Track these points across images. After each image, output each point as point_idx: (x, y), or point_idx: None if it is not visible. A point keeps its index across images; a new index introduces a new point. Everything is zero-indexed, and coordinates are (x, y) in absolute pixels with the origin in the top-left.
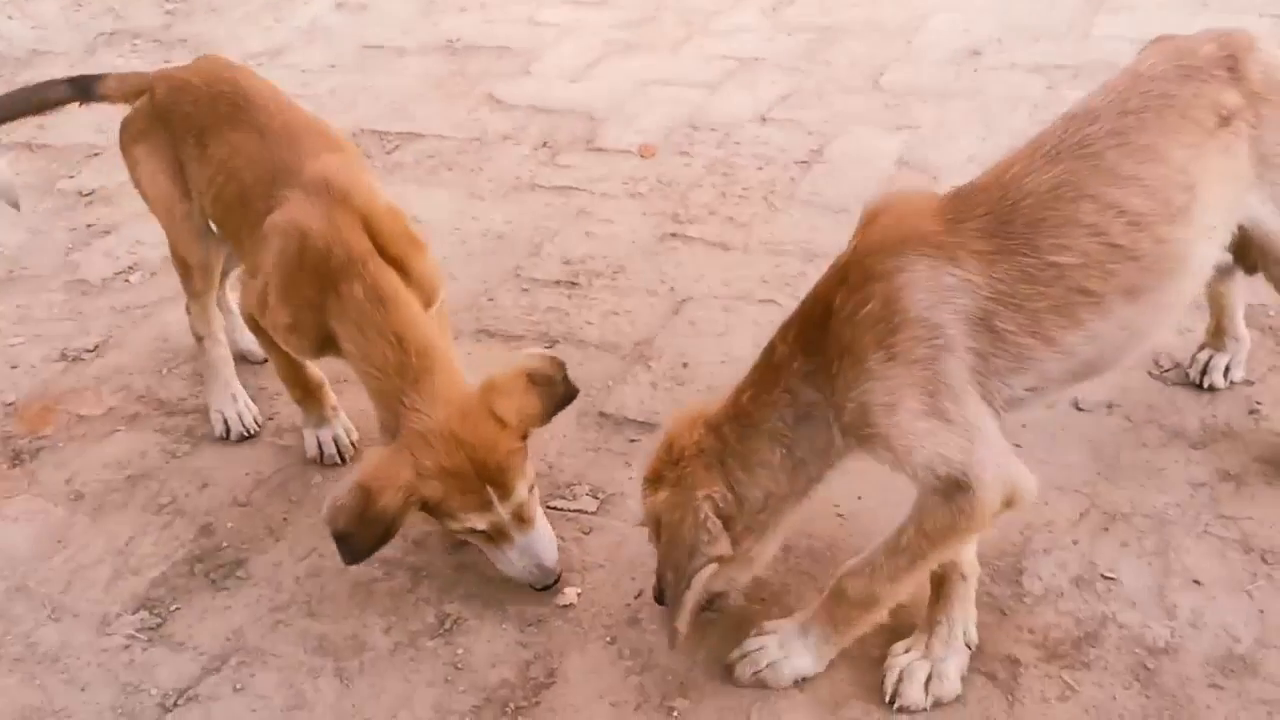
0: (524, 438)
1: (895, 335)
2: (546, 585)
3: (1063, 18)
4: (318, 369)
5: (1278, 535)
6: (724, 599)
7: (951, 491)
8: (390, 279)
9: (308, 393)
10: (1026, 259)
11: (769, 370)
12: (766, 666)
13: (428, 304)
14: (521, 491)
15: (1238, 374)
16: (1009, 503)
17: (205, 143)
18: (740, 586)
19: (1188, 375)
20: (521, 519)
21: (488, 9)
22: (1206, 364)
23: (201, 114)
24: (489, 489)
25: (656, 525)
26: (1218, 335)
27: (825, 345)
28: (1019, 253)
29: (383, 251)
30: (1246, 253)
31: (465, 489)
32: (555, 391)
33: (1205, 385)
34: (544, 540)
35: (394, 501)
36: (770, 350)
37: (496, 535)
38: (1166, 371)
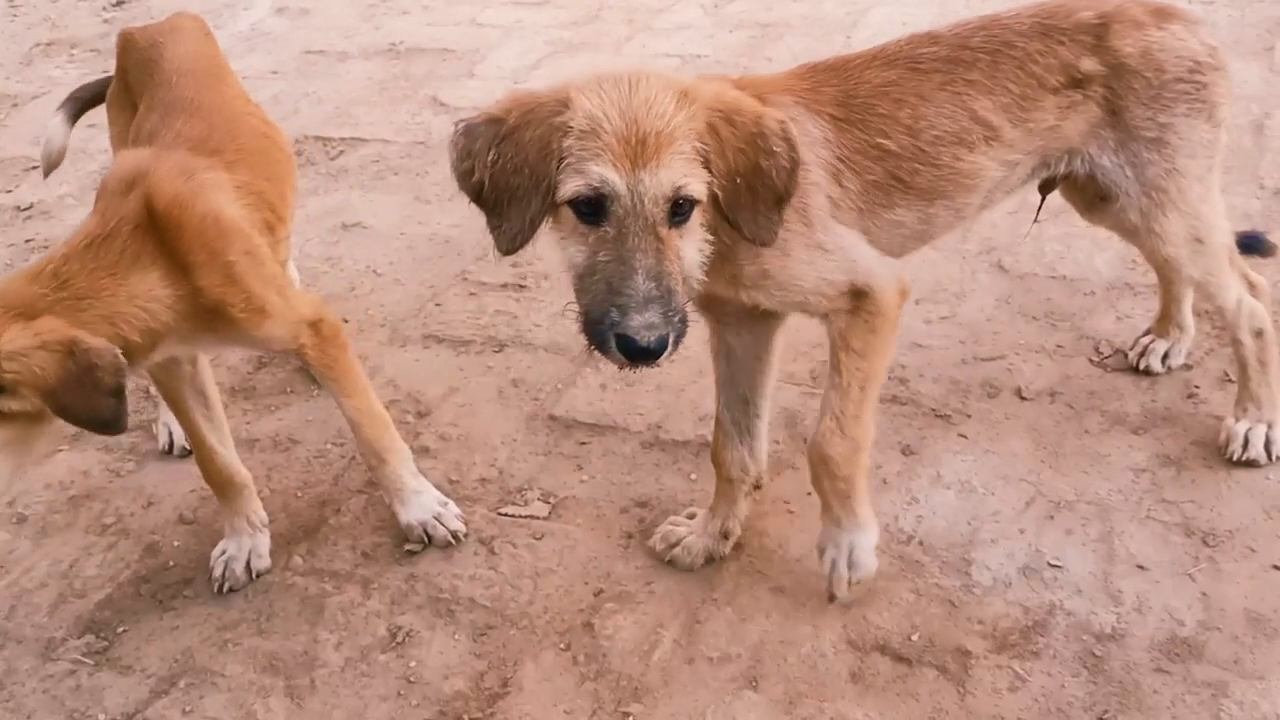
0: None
1: None
2: None
3: (997, 7)
4: (241, 467)
5: (1218, 518)
6: None
7: (854, 302)
8: (119, 251)
9: (223, 488)
10: (861, 135)
11: None
12: (853, 568)
13: (219, 320)
14: None
15: (1176, 361)
16: (903, 292)
17: (139, 105)
18: None
19: (1127, 359)
20: None
21: (430, 11)
22: (1146, 348)
23: (138, 75)
24: None
25: None
26: (1163, 322)
27: None
28: (857, 127)
29: (173, 249)
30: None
31: None
32: (84, 382)
33: (1142, 368)
34: None
35: None
36: None
37: None
38: (1107, 358)
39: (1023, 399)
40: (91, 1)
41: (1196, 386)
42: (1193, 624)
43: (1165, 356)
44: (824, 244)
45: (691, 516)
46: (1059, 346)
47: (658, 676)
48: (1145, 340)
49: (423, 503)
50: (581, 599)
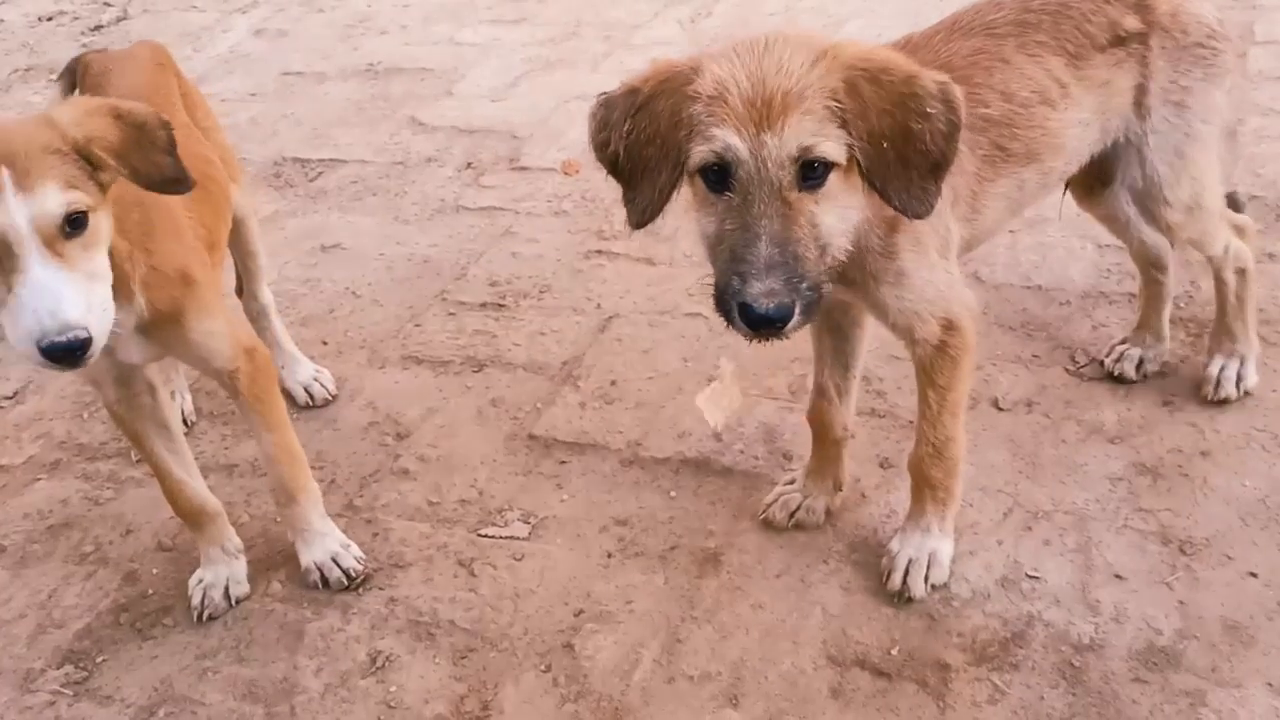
0: (85, 151)
1: None
2: (52, 351)
3: None
4: (210, 496)
5: (1195, 526)
6: None
7: (942, 339)
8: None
9: (194, 518)
10: (968, 108)
11: None
12: (932, 568)
13: (170, 314)
14: (50, 198)
15: (1151, 368)
16: (976, 317)
17: None
18: None
19: (1103, 366)
20: (48, 246)
21: (408, 31)
22: (1122, 354)
23: None
24: (2, 169)
25: None
26: (1141, 330)
27: None
28: None
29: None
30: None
31: None
32: (142, 140)
33: (1116, 374)
34: (53, 288)
35: None
36: None
37: (4, 256)
38: (1083, 368)
39: (999, 409)
40: (70, 27)
41: (1173, 395)
42: (1170, 633)
43: (1140, 364)
44: (947, 249)
45: (790, 483)
46: (1035, 356)
47: (638, 696)
48: (1121, 347)
49: (325, 545)
50: (562, 619)
